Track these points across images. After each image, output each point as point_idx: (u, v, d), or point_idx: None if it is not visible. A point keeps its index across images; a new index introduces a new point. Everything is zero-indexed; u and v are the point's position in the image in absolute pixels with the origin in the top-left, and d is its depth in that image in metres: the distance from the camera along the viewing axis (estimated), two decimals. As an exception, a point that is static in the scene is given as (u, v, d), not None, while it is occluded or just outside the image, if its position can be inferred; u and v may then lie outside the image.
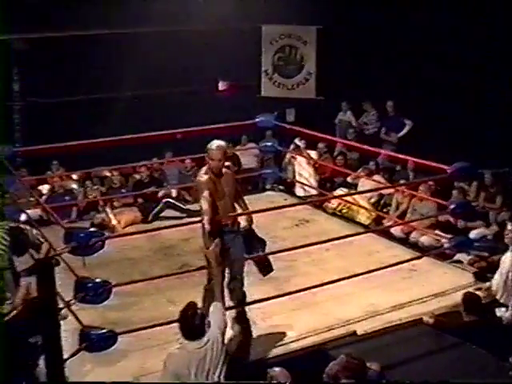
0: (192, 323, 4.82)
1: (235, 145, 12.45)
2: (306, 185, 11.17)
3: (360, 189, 10.61)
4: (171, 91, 12.58)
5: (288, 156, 11.88)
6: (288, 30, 13.95)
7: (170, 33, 12.54)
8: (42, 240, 7.25)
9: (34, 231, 7.38)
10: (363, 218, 10.00)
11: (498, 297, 6.93)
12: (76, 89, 12.26)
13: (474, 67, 11.00)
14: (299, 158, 11.47)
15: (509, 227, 7.08)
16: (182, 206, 10.53)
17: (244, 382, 5.39)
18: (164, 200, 10.49)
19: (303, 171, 11.39)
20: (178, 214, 10.31)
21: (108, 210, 10.12)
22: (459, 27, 11.04)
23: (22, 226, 7.46)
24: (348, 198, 10.20)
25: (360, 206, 10.02)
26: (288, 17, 13.54)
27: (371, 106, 12.68)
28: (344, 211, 10.21)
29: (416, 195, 9.55)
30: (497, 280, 7.06)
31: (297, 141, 11.70)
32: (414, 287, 7.48)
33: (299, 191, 11.35)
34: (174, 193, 11.15)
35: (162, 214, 10.36)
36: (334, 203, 10.30)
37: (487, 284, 6.63)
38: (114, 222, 9.82)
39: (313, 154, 11.69)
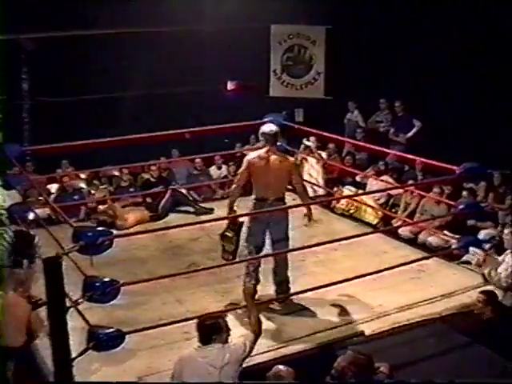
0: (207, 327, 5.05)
1: (243, 145, 12.48)
2: (315, 184, 11.13)
3: (368, 189, 10.60)
4: (180, 91, 12.60)
5: (299, 157, 11.85)
6: (297, 29, 13.95)
7: (180, 32, 12.55)
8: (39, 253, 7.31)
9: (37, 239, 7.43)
10: (371, 217, 9.98)
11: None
12: (84, 88, 12.28)
13: (486, 67, 10.97)
14: (309, 158, 11.44)
15: (506, 231, 7.04)
16: (189, 196, 10.57)
17: (248, 382, 5.39)
18: (171, 187, 10.55)
19: (312, 171, 11.36)
20: (186, 209, 10.43)
21: (116, 204, 10.15)
22: (471, 27, 11.01)
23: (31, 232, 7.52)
24: (356, 198, 10.18)
25: (367, 205, 9.99)
26: (297, 16, 13.54)
27: (386, 105, 12.66)
28: (351, 211, 10.19)
29: (425, 195, 9.53)
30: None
31: (305, 141, 11.69)
32: (422, 288, 7.46)
33: (308, 191, 11.29)
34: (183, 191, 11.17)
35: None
36: (342, 203, 10.29)
37: (482, 296, 6.59)
38: (120, 219, 9.83)
39: (323, 154, 11.66)
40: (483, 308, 6.29)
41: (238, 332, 6.48)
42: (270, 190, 6.95)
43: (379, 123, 12.71)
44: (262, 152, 7.02)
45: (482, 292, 6.55)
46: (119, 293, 5.87)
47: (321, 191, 11.09)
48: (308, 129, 10.70)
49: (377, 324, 6.70)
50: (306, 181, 11.24)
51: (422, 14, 11.86)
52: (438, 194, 9.42)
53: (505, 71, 10.71)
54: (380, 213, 9.97)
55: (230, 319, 6.51)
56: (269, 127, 7.11)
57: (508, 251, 7.25)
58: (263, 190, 6.96)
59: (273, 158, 6.95)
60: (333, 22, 13.50)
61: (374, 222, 9.90)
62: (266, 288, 7.25)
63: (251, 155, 7.12)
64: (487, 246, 7.76)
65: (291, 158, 7.34)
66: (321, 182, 11.23)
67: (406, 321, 6.75)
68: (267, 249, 7.11)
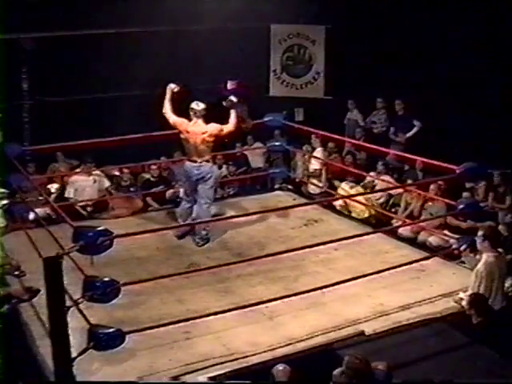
0: None
1: (243, 145, 12.50)
2: (316, 186, 11.09)
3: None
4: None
5: (303, 156, 11.84)
6: (296, 29, 13.96)
7: (179, 32, 12.55)
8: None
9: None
10: (357, 210, 9.97)
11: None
12: (84, 87, 12.28)
13: (486, 67, 10.97)
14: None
15: (479, 233, 7.00)
16: None
17: (246, 382, 5.39)
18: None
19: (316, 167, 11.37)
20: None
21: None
22: (471, 27, 11.01)
23: None
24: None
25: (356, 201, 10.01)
26: (297, 16, 13.54)
27: (383, 105, 12.65)
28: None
29: (425, 195, 9.53)
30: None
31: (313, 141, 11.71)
32: (422, 287, 7.46)
33: (312, 189, 11.28)
34: (181, 192, 11.17)
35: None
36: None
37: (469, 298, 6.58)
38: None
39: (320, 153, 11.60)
40: (471, 311, 6.29)
41: (238, 331, 6.51)
42: (195, 154, 8.71)
43: (374, 124, 12.72)
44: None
45: (470, 295, 6.55)
46: (119, 293, 5.88)
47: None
48: (308, 128, 10.70)
49: (377, 323, 6.70)
50: (310, 182, 11.27)
51: (421, 13, 11.85)
52: (435, 192, 9.40)
53: (505, 71, 10.71)
54: (373, 211, 9.95)
55: (230, 319, 6.55)
56: (197, 104, 8.87)
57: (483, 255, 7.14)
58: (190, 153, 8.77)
59: (198, 129, 8.73)
60: (333, 22, 13.50)
61: (365, 215, 9.89)
62: (267, 287, 7.28)
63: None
64: (463, 246, 7.72)
65: (211, 126, 8.81)
66: (323, 180, 11.20)
67: (406, 320, 6.75)
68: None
